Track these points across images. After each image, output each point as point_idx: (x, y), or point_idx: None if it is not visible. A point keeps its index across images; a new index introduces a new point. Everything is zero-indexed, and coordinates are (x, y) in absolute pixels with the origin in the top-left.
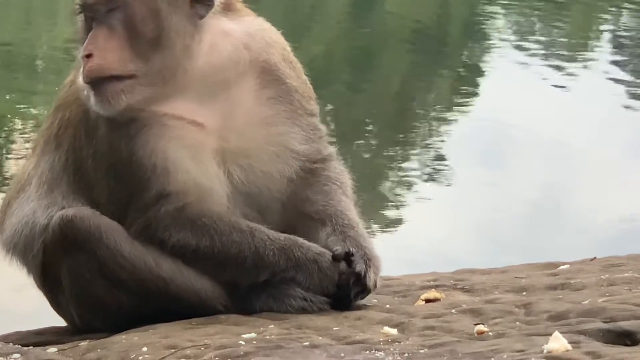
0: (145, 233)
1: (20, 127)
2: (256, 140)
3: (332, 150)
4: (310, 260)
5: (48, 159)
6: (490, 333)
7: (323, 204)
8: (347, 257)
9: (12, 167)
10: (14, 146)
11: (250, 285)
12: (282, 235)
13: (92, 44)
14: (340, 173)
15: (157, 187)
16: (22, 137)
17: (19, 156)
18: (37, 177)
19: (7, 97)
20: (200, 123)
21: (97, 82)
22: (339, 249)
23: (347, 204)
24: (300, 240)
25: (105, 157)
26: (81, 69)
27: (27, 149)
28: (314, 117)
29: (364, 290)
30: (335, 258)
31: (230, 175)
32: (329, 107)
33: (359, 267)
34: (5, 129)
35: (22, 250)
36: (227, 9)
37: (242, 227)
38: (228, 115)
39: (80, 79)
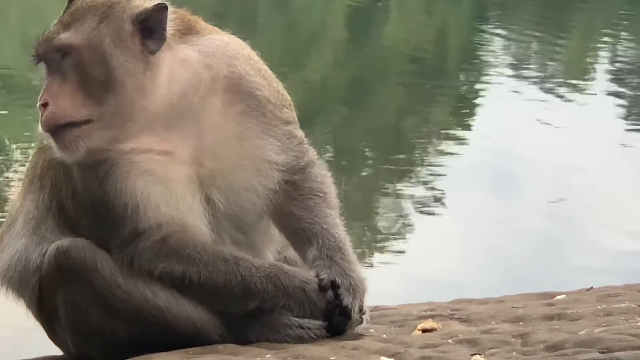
0: (130, 267)
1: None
2: (230, 158)
3: (311, 155)
4: (297, 287)
5: (33, 198)
6: None
7: (309, 222)
8: (333, 286)
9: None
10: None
11: (244, 315)
12: (267, 263)
13: (47, 93)
14: (322, 181)
15: (131, 225)
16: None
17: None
18: (24, 214)
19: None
20: (169, 152)
21: (55, 130)
22: (325, 277)
23: (333, 219)
24: (285, 266)
25: (82, 197)
26: (39, 119)
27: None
28: (289, 125)
29: (349, 321)
30: (322, 288)
31: (210, 200)
32: (326, 136)
33: (346, 300)
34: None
35: (16, 284)
36: (188, 32)
37: (226, 257)
38: (198, 139)
39: (39, 128)
